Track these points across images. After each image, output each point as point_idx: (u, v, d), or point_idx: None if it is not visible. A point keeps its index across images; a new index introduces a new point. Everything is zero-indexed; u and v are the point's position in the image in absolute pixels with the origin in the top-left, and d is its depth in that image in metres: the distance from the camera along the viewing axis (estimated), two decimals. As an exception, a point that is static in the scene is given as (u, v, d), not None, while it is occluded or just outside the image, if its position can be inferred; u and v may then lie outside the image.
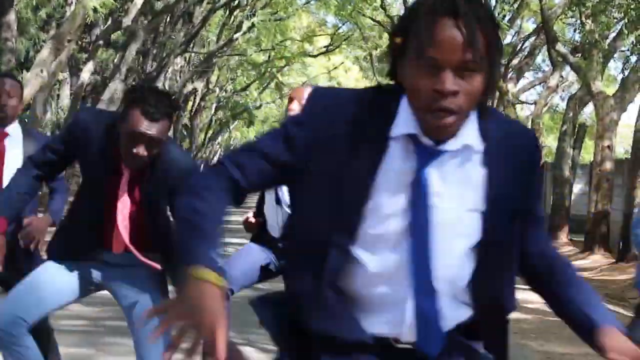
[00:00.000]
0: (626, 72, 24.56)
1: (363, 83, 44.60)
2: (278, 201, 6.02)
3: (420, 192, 2.19)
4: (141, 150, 3.97)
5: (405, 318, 2.27)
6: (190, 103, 36.53)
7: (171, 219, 4.45)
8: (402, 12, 27.24)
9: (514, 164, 2.31)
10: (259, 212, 6.15)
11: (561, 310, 2.49)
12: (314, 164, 2.25)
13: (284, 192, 5.76)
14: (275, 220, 5.95)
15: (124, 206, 4.24)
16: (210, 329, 2.04)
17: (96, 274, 4.50)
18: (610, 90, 24.36)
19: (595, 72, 22.04)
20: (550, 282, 2.49)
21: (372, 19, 35.21)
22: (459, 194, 2.23)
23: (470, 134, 2.22)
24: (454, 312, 2.32)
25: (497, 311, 2.42)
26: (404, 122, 2.19)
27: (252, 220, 6.11)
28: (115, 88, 20.81)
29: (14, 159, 5.25)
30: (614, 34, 23.29)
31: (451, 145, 2.19)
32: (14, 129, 5.50)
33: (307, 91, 5.55)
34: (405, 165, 2.21)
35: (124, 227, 4.26)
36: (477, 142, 2.24)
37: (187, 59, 30.26)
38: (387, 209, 2.21)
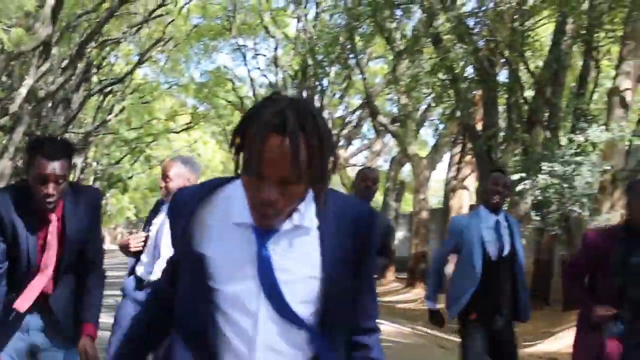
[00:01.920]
0: (436, 138, 25.15)
1: (220, 153, 44.65)
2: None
3: (263, 266, 2.14)
4: (51, 189, 3.86)
5: None
6: (72, 176, 35.84)
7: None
8: (249, 93, 27.37)
9: (351, 233, 2.23)
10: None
11: None
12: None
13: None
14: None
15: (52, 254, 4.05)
16: None
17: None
18: (423, 152, 25.01)
19: (411, 138, 22.37)
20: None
21: (225, 100, 35.30)
22: (296, 265, 2.16)
23: (303, 215, 2.17)
24: None
25: None
26: (243, 209, 2.14)
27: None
28: (4, 166, 20.30)
29: None
30: (424, 107, 23.92)
31: (285, 225, 2.14)
32: None
33: (173, 165, 5.58)
34: (247, 246, 2.15)
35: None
36: (311, 220, 2.19)
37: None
38: (236, 285, 2.17)
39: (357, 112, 29.60)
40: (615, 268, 4.52)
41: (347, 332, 2.33)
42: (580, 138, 13.43)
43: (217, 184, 2.28)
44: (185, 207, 2.23)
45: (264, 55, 31.73)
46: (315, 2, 25.98)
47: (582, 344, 4.74)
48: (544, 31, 16.89)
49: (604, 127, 13.55)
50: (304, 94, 26.88)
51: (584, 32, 14.67)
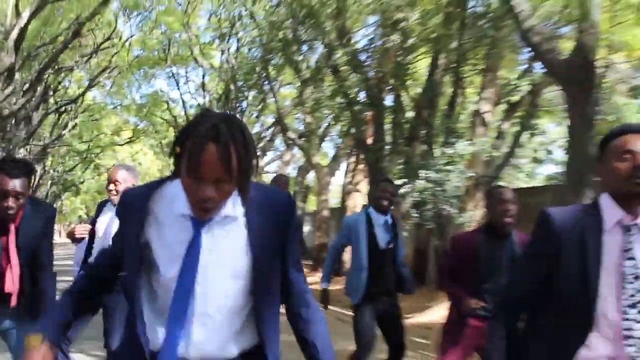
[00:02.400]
0: (335, 150, 25.18)
1: (157, 163, 43.95)
2: None
3: (195, 250, 2.15)
4: (10, 202, 3.82)
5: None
6: (32, 182, 34.94)
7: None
8: (182, 113, 26.86)
9: (274, 219, 2.23)
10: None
11: (302, 348, 2.35)
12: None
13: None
14: None
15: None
16: None
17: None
18: (325, 162, 24.99)
19: (314, 150, 22.45)
20: (298, 322, 2.33)
21: (161, 118, 34.75)
22: (228, 247, 2.18)
23: (231, 207, 2.18)
24: (226, 342, 2.21)
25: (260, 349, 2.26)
26: (183, 204, 2.16)
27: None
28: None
29: None
30: (325, 125, 23.92)
31: (217, 216, 2.17)
32: None
33: (119, 172, 5.44)
34: (186, 233, 2.17)
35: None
36: (238, 210, 2.20)
37: (29, 150, 28.81)
38: (170, 267, 2.16)
39: (271, 129, 29.40)
40: (481, 262, 4.53)
41: (277, 303, 2.30)
42: (450, 151, 13.60)
43: (159, 184, 2.27)
44: (135, 203, 2.22)
45: (194, 81, 31.92)
46: (236, 38, 25.77)
47: (451, 326, 4.74)
48: (422, 64, 17.04)
49: (468, 142, 13.81)
50: (228, 113, 26.64)
51: (453, 65, 14.81)
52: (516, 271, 2.74)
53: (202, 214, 2.12)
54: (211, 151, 1.99)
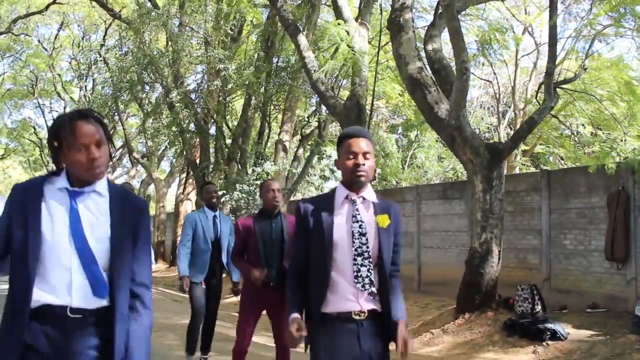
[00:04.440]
0: (170, 167, 23.94)
1: (25, 176, 39.93)
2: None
3: (74, 215, 1.97)
4: None
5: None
6: None
7: None
8: (47, 135, 24.29)
9: (131, 210, 2.07)
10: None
11: None
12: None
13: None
14: None
15: None
16: None
17: None
18: (163, 176, 23.77)
19: (154, 167, 21.74)
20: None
21: (29, 139, 31.57)
22: (95, 214, 2.01)
23: (100, 185, 2.05)
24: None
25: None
26: (62, 181, 2.01)
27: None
28: None
29: None
30: (163, 148, 22.69)
31: (88, 189, 2.02)
32: None
33: None
34: (63, 202, 1.99)
35: None
36: (105, 190, 2.05)
37: None
38: (56, 231, 1.95)
39: (119, 150, 27.65)
40: (256, 237, 4.39)
41: (127, 275, 2.04)
42: (259, 169, 13.39)
43: (44, 178, 2.05)
44: (24, 189, 2.00)
45: (57, 111, 28.78)
46: (92, 78, 24.09)
47: (246, 292, 4.51)
48: (238, 103, 16.70)
49: (272, 163, 13.69)
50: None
51: (262, 105, 14.60)
52: (293, 246, 2.62)
53: (94, 174, 1.99)
54: (84, 123, 1.95)
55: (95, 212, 2.00)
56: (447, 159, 19.64)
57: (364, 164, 2.44)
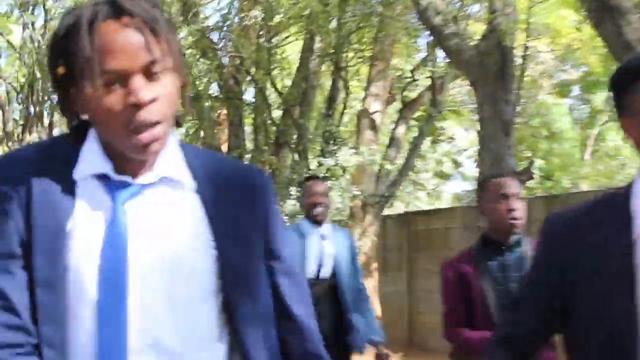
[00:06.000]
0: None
1: None
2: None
3: (115, 234, 1.71)
4: None
5: None
6: None
7: None
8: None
9: (241, 197, 1.90)
10: None
11: None
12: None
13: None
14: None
15: None
16: None
17: None
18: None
19: None
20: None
21: None
22: (171, 228, 1.77)
23: (169, 164, 1.80)
24: None
25: None
26: (89, 162, 1.77)
27: None
28: None
29: None
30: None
31: (147, 177, 1.78)
32: None
33: None
34: (98, 207, 1.74)
35: None
36: (181, 172, 1.82)
37: None
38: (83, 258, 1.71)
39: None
40: (482, 288, 4.31)
41: (270, 323, 1.94)
42: (329, 162, 13.61)
43: (39, 148, 1.87)
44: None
45: (-20, 68, 30.20)
46: (43, 8, 24.97)
47: None
48: (292, 49, 17.06)
49: (353, 150, 13.80)
50: (32, 109, 25.85)
51: (332, 51, 14.86)
52: (522, 297, 2.58)
53: (144, 144, 1.69)
54: (117, 26, 1.65)
55: (166, 218, 1.80)
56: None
57: None
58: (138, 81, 1.65)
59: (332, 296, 5.85)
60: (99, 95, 1.65)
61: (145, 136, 1.68)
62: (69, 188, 1.75)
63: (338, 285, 5.89)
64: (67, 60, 1.68)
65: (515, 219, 4.32)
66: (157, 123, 1.69)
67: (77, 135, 1.82)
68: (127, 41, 1.64)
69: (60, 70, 1.70)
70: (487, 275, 4.32)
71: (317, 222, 5.91)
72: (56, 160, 1.78)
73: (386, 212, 14.79)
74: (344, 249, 5.95)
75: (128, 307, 1.70)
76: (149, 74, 1.67)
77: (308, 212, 5.93)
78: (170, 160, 1.81)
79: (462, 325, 4.41)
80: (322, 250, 5.87)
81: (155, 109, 1.68)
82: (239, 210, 1.88)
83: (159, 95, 1.68)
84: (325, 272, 5.86)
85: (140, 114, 1.66)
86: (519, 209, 4.33)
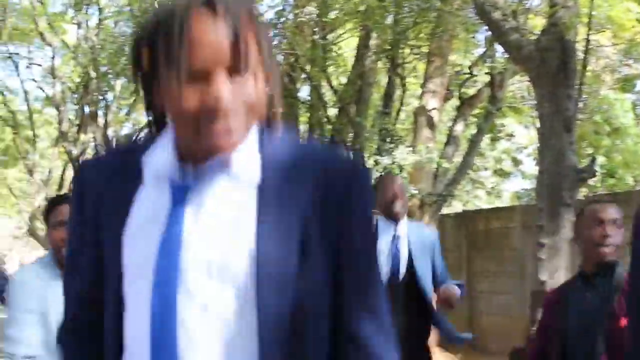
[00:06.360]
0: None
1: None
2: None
3: (172, 235, 1.63)
4: None
5: None
6: None
7: None
8: (23, 106, 26.23)
9: (320, 194, 1.68)
10: None
11: None
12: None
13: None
14: None
15: None
16: None
17: None
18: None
19: None
20: None
21: None
22: (228, 232, 1.64)
23: (245, 161, 1.68)
24: None
25: None
26: (157, 163, 1.71)
27: None
28: None
29: None
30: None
31: (218, 178, 1.67)
32: None
33: None
34: (157, 206, 1.68)
35: None
36: (253, 173, 1.68)
37: None
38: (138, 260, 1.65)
39: (145, 130, 29.07)
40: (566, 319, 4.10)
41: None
42: (386, 160, 13.57)
43: (140, 145, 1.84)
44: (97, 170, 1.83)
45: (39, 65, 30.53)
46: (98, 7, 25.26)
47: None
48: (348, 45, 17.09)
49: (410, 148, 13.79)
50: (86, 109, 26.14)
51: (389, 47, 14.82)
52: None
53: (217, 144, 1.61)
54: (205, 17, 1.58)
55: (224, 221, 1.66)
56: None
57: None
58: (221, 79, 1.58)
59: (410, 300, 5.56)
60: (180, 90, 1.59)
61: (219, 135, 1.61)
62: (134, 190, 1.74)
63: (418, 287, 5.62)
64: (152, 55, 1.65)
65: (602, 245, 3.97)
66: (234, 122, 1.61)
67: (156, 130, 1.81)
68: (216, 38, 1.58)
69: (145, 64, 1.67)
70: (570, 308, 4.06)
71: (395, 218, 5.69)
72: (128, 164, 1.77)
73: (444, 211, 14.75)
74: (427, 250, 5.73)
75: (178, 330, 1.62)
76: (234, 71, 1.60)
77: (387, 208, 5.69)
78: (243, 160, 1.68)
79: (535, 357, 4.28)
80: (397, 249, 5.64)
81: (234, 108, 1.60)
82: (302, 212, 1.67)
83: (240, 94, 1.61)
84: (400, 274, 5.62)
85: (218, 113, 1.59)
86: (613, 236, 3.97)
